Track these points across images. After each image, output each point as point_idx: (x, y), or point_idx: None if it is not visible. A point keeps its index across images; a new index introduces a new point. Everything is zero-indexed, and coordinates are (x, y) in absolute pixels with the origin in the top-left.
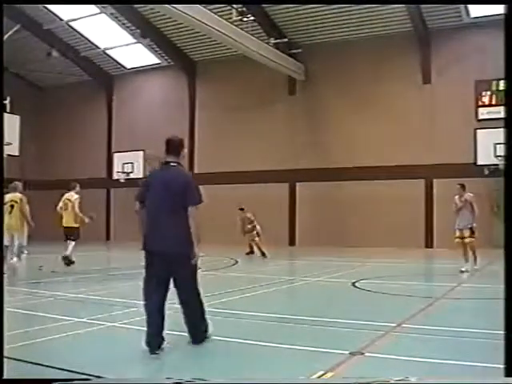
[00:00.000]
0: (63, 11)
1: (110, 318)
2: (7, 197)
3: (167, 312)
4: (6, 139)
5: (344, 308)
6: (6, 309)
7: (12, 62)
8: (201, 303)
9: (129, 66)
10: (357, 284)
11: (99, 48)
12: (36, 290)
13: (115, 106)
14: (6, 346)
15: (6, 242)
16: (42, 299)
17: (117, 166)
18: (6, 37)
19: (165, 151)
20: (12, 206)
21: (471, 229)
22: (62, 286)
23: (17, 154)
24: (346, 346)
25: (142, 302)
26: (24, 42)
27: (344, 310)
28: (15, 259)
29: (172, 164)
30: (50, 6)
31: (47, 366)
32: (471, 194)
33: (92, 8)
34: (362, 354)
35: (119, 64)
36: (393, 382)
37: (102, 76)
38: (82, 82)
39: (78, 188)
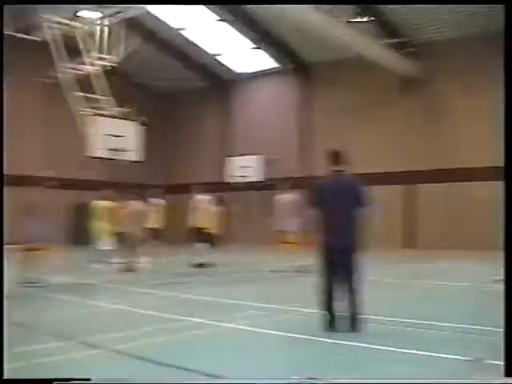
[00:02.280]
0: (179, 21)
1: (231, 320)
2: None
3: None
4: (131, 147)
5: (472, 313)
6: (132, 308)
7: (133, 71)
8: (361, 293)
9: (244, 71)
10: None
11: (215, 54)
12: (159, 290)
13: (231, 111)
14: (129, 345)
15: None
16: (163, 299)
17: (233, 170)
18: (125, 48)
19: (331, 162)
20: None
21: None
22: (184, 288)
23: (138, 159)
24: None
25: (320, 289)
26: (143, 51)
27: (472, 316)
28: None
29: (344, 173)
30: (167, 17)
31: (168, 366)
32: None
33: (208, 15)
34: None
35: (235, 69)
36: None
37: (219, 82)
38: (199, 88)
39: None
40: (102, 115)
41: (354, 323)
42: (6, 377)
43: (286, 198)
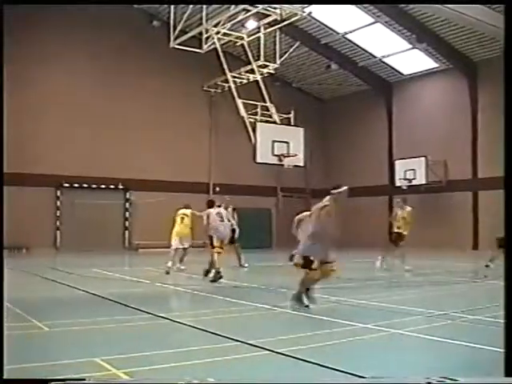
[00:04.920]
0: (338, 25)
1: (394, 325)
2: (180, 211)
3: None
4: (292, 151)
5: None
6: (294, 312)
7: (294, 76)
8: None
9: (406, 72)
10: None
11: (376, 57)
12: (321, 294)
13: (395, 113)
14: (293, 348)
15: (174, 244)
16: (327, 304)
17: (399, 173)
18: (286, 55)
19: None
20: (182, 218)
21: None
22: (345, 292)
23: (302, 164)
24: None
25: None
26: (304, 57)
27: None
28: (178, 264)
29: None
30: (326, 22)
31: (331, 369)
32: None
33: (366, 18)
34: None
35: (396, 71)
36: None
37: (381, 84)
38: (360, 91)
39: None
40: (267, 121)
41: None
42: (5, 377)
43: None
